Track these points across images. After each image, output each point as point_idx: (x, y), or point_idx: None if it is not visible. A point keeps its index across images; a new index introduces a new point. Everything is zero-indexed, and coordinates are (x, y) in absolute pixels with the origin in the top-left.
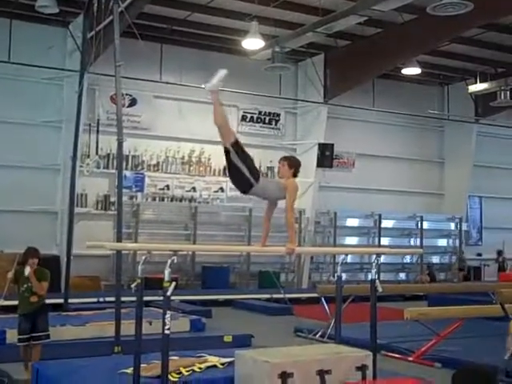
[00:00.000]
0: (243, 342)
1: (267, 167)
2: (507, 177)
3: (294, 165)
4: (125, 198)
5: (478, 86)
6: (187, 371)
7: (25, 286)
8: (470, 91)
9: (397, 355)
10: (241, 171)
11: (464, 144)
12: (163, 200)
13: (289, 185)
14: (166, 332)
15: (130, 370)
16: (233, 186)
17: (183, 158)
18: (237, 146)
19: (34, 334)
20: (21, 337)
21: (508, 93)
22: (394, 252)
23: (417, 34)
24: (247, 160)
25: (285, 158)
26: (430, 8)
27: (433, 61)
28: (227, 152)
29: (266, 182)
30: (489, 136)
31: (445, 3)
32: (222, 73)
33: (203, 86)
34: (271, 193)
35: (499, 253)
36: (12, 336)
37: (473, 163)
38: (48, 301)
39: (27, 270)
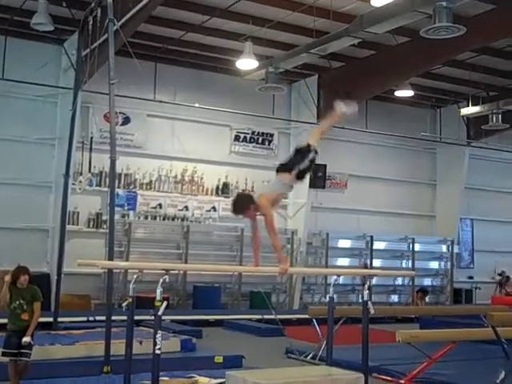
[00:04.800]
0: (234, 362)
1: None
2: (499, 199)
3: None
4: (117, 217)
5: (470, 109)
6: None
7: (17, 302)
8: (462, 114)
9: (388, 378)
10: (303, 161)
11: (456, 166)
12: (155, 219)
13: (260, 203)
14: (157, 352)
15: None
16: (225, 206)
17: (176, 176)
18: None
19: (22, 351)
20: (7, 351)
21: (500, 116)
22: (385, 274)
23: (410, 57)
24: (311, 167)
25: None
26: (423, 31)
27: (425, 83)
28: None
29: (281, 182)
30: (481, 159)
31: (438, 27)
32: (356, 108)
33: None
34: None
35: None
36: None
37: (464, 186)
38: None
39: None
